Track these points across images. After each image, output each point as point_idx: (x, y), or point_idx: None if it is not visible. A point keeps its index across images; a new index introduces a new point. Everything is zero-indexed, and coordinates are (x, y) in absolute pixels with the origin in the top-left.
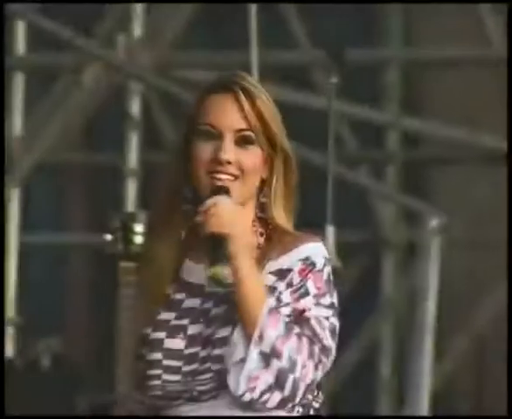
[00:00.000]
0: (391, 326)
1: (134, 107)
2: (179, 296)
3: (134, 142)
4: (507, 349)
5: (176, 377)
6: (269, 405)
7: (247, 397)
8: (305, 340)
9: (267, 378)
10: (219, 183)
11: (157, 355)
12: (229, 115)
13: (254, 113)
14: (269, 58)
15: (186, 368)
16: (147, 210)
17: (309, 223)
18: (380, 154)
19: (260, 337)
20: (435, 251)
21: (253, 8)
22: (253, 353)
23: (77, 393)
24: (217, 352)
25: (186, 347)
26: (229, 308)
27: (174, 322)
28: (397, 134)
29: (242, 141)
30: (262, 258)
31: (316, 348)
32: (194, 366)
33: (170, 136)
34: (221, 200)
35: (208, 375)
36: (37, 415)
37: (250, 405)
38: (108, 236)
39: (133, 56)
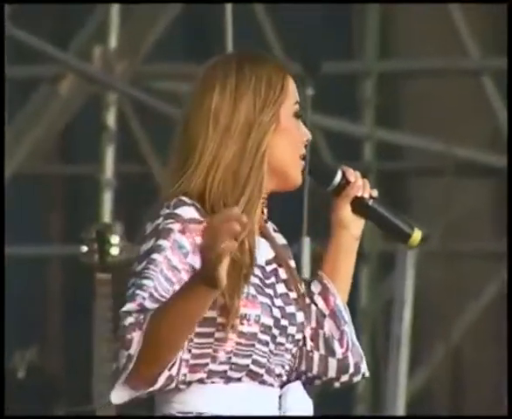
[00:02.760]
0: (368, 338)
1: (110, 118)
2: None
3: (110, 153)
4: (507, 349)
5: (267, 349)
6: None
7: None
8: None
9: None
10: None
11: (270, 322)
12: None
13: None
14: None
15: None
16: (122, 222)
17: (285, 235)
18: (356, 166)
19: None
20: (411, 263)
21: (229, 15)
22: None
23: (52, 404)
24: (298, 336)
25: (274, 325)
26: (283, 286)
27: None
28: (374, 146)
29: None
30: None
31: None
32: (281, 340)
33: (146, 147)
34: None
35: (288, 358)
36: (39, 415)
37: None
38: (84, 248)
39: (109, 67)
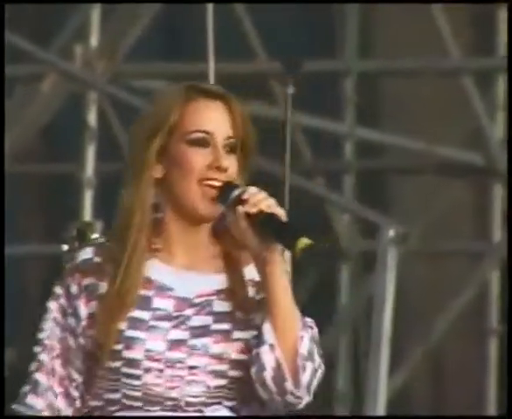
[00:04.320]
0: (348, 337)
1: (91, 117)
2: (147, 294)
3: (90, 152)
4: (507, 350)
5: (159, 381)
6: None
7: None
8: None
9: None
10: (213, 191)
11: (138, 355)
12: (221, 122)
13: (240, 123)
14: (225, 68)
15: (169, 372)
16: (103, 220)
17: None
18: (336, 164)
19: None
20: (392, 262)
21: (210, 15)
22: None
23: None
24: (216, 367)
25: (168, 350)
26: (211, 318)
27: (152, 322)
28: (354, 144)
29: (229, 149)
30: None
31: None
32: (180, 372)
33: (126, 145)
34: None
35: (203, 389)
36: (40, 416)
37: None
38: (64, 247)
39: (90, 66)
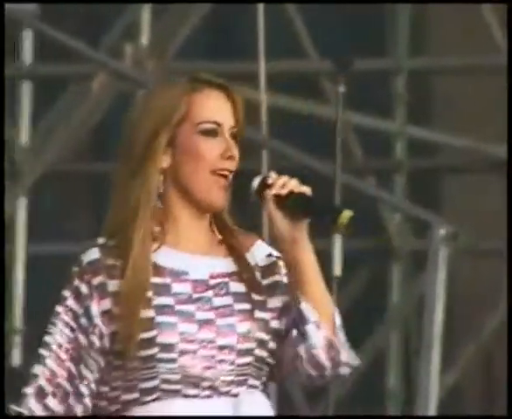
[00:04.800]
0: (399, 336)
1: None
2: (165, 281)
3: None
4: (507, 349)
5: (194, 362)
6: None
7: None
8: None
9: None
10: (224, 180)
11: (173, 339)
12: (226, 112)
13: (239, 112)
14: (276, 67)
15: (203, 353)
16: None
17: (316, 231)
18: (388, 164)
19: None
20: (443, 261)
21: (261, 14)
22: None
23: None
24: (243, 346)
25: (199, 331)
26: (231, 298)
27: (177, 307)
28: (405, 143)
29: (232, 138)
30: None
31: None
32: (211, 352)
33: None
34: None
35: (231, 367)
36: (42, 416)
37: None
38: None
39: (140, 65)
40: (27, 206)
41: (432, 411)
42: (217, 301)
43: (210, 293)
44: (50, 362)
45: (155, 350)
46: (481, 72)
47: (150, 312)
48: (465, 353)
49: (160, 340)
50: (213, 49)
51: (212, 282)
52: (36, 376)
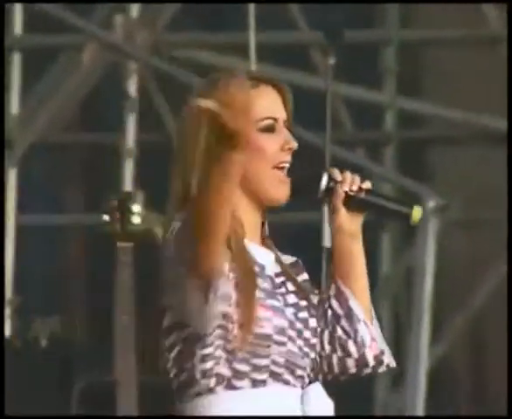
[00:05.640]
0: (389, 305)
1: (132, 87)
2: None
3: (131, 122)
4: (507, 349)
5: (295, 349)
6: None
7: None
8: None
9: None
10: (283, 175)
11: (284, 323)
12: (279, 107)
13: (289, 106)
14: (267, 39)
15: (299, 342)
16: (143, 190)
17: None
18: (377, 135)
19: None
20: (432, 232)
21: None
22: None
23: (74, 372)
24: (314, 340)
25: (289, 327)
26: (294, 296)
27: (269, 301)
28: (395, 115)
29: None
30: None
31: None
32: (301, 343)
33: (167, 116)
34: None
35: (307, 361)
36: (39, 415)
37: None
38: (106, 217)
39: (130, 36)
40: (17, 176)
41: (421, 378)
42: (290, 298)
43: (282, 290)
44: (219, 351)
45: (270, 330)
46: (471, 45)
47: (260, 294)
48: (454, 324)
49: (275, 321)
50: (203, 20)
51: (277, 280)
52: (211, 369)
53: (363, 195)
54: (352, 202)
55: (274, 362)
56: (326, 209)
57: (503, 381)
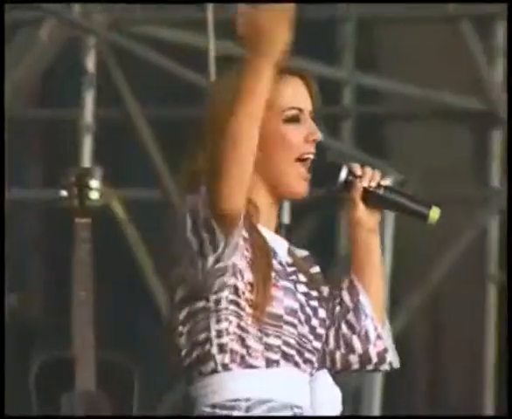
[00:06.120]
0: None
1: (90, 63)
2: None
3: (89, 98)
4: (507, 348)
5: (305, 331)
6: None
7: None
8: None
9: None
10: (305, 170)
11: (294, 304)
12: (305, 97)
13: (314, 96)
14: (224, 15)
15: (307, 327)
16: (101, 166)
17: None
18: (336, 110)
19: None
20: None
21: None
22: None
23: (33, 348)
24: (321, 331)
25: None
26: (304, 286)
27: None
28: (353, 91)
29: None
30: None
31: None
32: (306, 328)
33: (125, 92)
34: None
35: (314, 347)
36: (39, 415)
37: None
38: (64, 192)
39: (89, 11)
40: None
41: None
42: (301, 287)
43: (294, 277)
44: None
45: (281, 311)
46: (429, 22)
47: (272, 274)
48: (412, 300)
49: (286, 302)
50: None
51: (289, 269)
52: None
53: (381, 191)
54: (370, 198)
55: (286, 343)
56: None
57: (460, 356)
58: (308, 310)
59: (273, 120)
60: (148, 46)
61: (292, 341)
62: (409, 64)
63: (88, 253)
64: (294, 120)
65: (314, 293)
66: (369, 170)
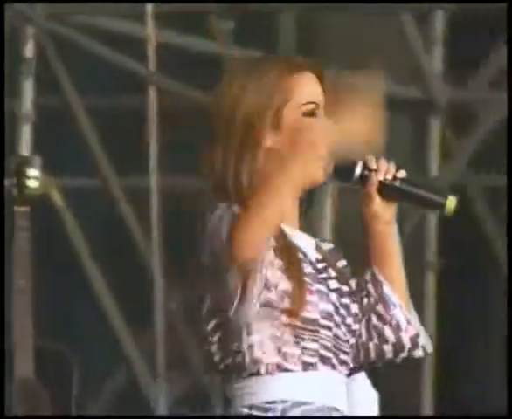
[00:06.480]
0: None
1: (29, 52)
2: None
3: (28, 86)
4: (507, 348)
5: (340, 333)
6: None
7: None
8: None
9: None
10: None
11: (329, 308)
12: (319, 92)
13: (326, 91)
14: (165, 6)
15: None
16: (41, 155)
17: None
18: None
19: None
20: (326, 199)
21: None
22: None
23: None
24: (355, 326)
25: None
26: (335, 281)
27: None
28: None
29: None
30: None
31: None
32: (341, 330)
33: (65, 80)
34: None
35: (349, 346)
36: (40, 415)
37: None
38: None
39: (27, 1)
40: None
41: None
42: (332, 284)
43: (324, 275)
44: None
45: (317, 315)
46: (368, 10)
47: (306, 279)
48: None
49: (321, 306)
50: None
51: (319, 265)
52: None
53: (397, 183)
54: (386, 191)
55: (323, 346)
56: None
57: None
58: (342, 310)
59: (293, 113)
60: (87, 35)
61: (328, 344)
62: (348, 53)
63: (27, 241)
64: (312, 114)
65: (345, 288)
66: (384, 163)
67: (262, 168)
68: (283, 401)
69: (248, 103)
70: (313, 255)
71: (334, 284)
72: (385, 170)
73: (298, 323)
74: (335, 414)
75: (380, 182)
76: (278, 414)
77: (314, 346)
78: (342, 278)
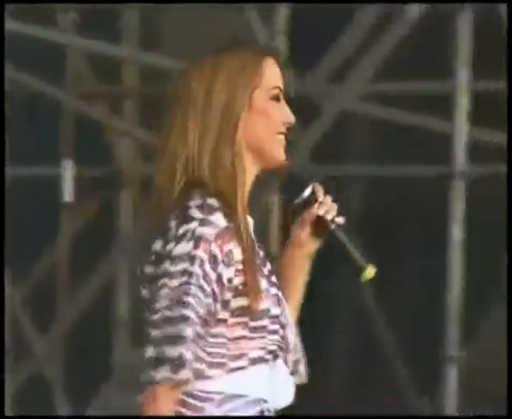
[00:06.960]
0: (128, 263)
1: None
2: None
3: None
4: (507, 348)
5: (288, 333)
6: None
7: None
8: None
9: None
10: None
11: (279, 311)
12: (281, 77)
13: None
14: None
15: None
16: None
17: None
18: (118, 90)
19: None
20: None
21: None
22: None
23: None
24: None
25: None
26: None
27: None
28: (136, 70)
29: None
30: None
31: None
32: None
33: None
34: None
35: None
36: (40, 415)
37: None
38: None
39: None
40: None
41: None
42: (273, 277)
43: (261, 255)
44: (189, 331)
45: (267, 321)
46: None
47: (264, 283)
48: None
49: (273, 311)
50: None
51: (261, 253)
52: (184, 338)
53: (333, 226)
54: (320, 228)
55: (269, 352)
56: (68, 162)
57: None
58: (282, 306)
59: (262, 97)
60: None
61: (273, 348)
62: (193, 45)
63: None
64: (277, 98)
65: (274, 278)
66: (329, 200)
67: (239, 150)
68: (220, 393)
69: (223, 88)
70: (256, 241)
71: (268, 266)
72: (328, 208)
73: (246, 333)
74: (264, 406)
75: (318, 216)
76: (215, 405)
77: (259, 353)
78: (266, 260)
